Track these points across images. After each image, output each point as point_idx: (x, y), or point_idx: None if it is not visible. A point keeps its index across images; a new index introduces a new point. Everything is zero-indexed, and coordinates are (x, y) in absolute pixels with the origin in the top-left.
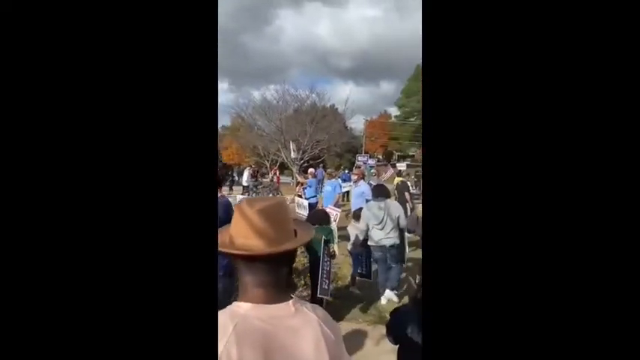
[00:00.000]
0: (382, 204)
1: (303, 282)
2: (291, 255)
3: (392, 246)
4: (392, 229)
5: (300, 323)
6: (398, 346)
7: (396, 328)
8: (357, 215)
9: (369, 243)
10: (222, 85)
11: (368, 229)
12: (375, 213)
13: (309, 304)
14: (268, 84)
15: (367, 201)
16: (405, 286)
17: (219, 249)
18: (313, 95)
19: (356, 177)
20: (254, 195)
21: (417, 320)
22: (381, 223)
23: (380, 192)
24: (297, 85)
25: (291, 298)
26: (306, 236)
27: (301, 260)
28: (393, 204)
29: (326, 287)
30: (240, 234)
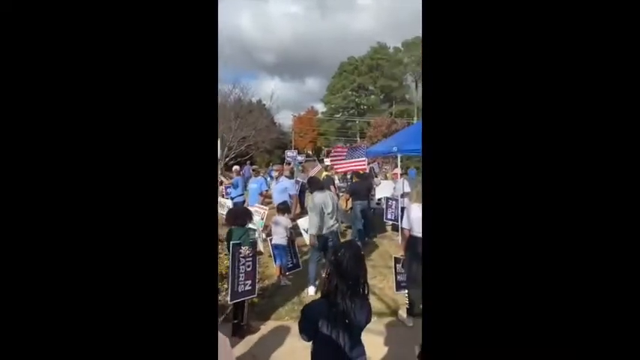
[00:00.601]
0: (330, 194)
1: (226, 286)
2: None
3: (335, 232)
4: (336, 216)
5: None
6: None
7: (307, 323)
8: (280, 209)
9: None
10: None
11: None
12: (328, 203)
13: None
14: None
15: (290, 196)
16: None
17: None
18: (237, 90)
19: (277, 173)
20: None
21: (327, 313)
22: (332, 211)
23: (318, 184)
24: (221, 79)
25: None
26: None
27: (225, 263)
28: (331, 194)
29: (248, 289)
30: None
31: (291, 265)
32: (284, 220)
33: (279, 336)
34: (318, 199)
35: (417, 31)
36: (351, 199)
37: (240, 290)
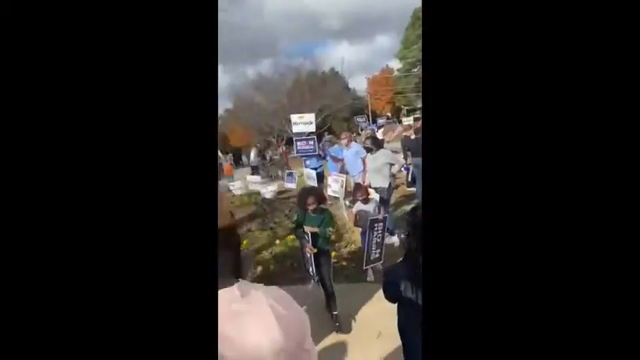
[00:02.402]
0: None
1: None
2: (230, 236)
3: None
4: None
5: (246, 307)
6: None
7: (390, 286)
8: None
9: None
10: None
11: None
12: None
13: (261, 286)
14: (262, 59)
15: (362, 159)
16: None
17: None
18: (307, 62)
19: (346, 140)
20: (263, 173)
21: (409, 276)
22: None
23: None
24: (291, 55)
25: (237, 281)
26: (244, 215)
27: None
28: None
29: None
30: None
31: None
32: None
33: (368, 297)
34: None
35: None
36: None
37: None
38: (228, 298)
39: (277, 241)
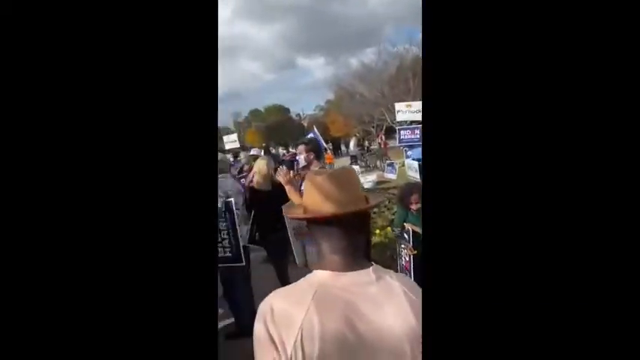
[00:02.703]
0: None
1: None
2: (364, 221)
3: None
4: None
5: (382, 291)
6: None
7: None
8: None
9: None
10: (319, 61)
11: None
12: None
13: (392, 272)
14: (365, 48)
15: None
16: None
17: (294, 217)
18: (413, 48)
19: None
20: (362, 163)
21: None
22: None
23: None
24: (395, 41)
25: (371, 265)
26: (376, 201)
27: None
28: None
29: None
30: (311, 201)
31: None
32: None
33: None
34: None
35: None
36: None
37: None
38: (366, 281)
39: (377, 231)
